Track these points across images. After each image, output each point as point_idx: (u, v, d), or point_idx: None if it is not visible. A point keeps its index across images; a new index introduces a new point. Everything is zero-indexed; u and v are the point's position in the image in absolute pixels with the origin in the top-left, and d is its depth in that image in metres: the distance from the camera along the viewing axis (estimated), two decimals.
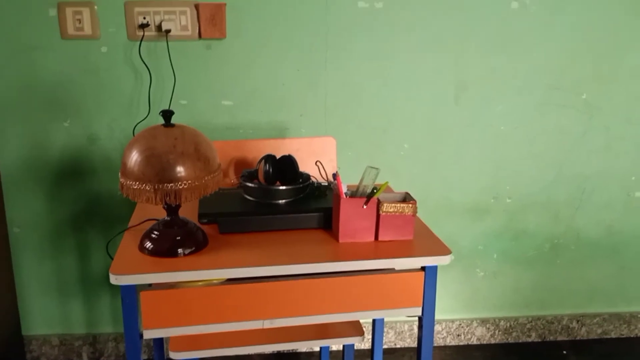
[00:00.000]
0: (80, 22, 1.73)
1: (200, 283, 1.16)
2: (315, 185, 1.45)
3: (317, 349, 2.17)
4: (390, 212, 1.28)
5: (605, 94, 1.98)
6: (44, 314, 2.00)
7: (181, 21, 1.75)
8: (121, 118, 1.81)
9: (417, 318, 1.31)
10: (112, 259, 1.15)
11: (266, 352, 2.15)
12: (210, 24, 1.76)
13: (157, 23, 1.73)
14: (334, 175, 1.30)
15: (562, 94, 1.96)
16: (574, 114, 1.99)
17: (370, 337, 2.08)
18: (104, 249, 1.93)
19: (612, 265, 2.20)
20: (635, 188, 2.11)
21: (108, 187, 1.88)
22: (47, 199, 1.88)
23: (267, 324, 1.21)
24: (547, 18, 1.87)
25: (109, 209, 1.90)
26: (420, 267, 1.26)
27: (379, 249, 1.25)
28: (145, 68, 1.77)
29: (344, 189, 1.29)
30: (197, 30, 1.76)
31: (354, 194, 1.30)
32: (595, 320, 2.26)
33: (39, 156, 1.83)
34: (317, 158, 1.61)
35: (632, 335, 2.30)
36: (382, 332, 1.62)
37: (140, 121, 1.81)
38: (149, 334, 1.16)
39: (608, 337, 2.29)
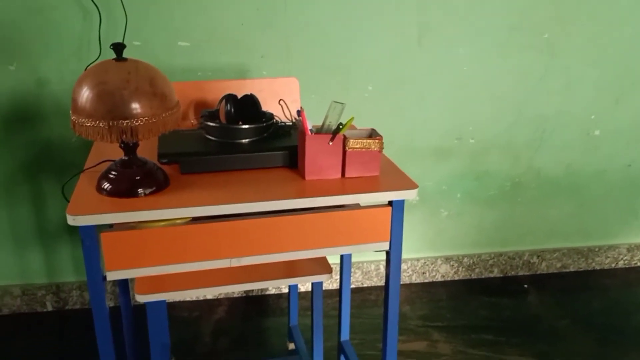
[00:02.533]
0: None
1: (163, 223, 1.13)
2: (279, 124, 1.42)
3: (285, 290, 2.19)
4: (356, 148, 1.26)
5: (567, 34, 1.98)
6: (2, 264, 1.95)
7: None
8: (71, 60, 1.72)
9: (383, 259, 1.32)
10: (69, 201, 1.11)
11: (235, 293, 2.16)
12: None
13: None
14: (298, 112, 1.27)
15: (524, 35, 1.95)
16: (535, 54, 1.99)
17: (338, 277, 2.10)
18: (60, 195, 1.86)
19: (571, 203, 2.26)
20: (594, 127, 2.15)
21: (60, 132, 1.80)
22: None
23: (235, 262, 1.20)
24: None
25: (62, 155, 1.83)
26: (387, 202, 1.26)
27: (345, 185, 1.24)
28: (95, 7, 1.67)
29: (309, 126, 1.26)
30: None
31: (319, 130, 1.28)
32: (554, 255, 2.34)
33: None
34: (281, 98, 1.57)
35: (589, 269, 2.40)
36: (350, 270, 1.64)
37: (91, 63, 1.72)
38: (111, 276, 1.13)
39: (567, 270, 2.38)
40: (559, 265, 2.36)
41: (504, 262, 2.31)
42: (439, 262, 2.25)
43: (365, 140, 1.26)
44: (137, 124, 1.06)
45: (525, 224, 2.27)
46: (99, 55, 1.71)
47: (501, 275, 2.33)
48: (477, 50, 1.94)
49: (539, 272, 2.36)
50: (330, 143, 1.24)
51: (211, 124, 1.34)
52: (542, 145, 2.14)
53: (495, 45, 1.95)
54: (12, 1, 1.63)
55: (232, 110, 1.38)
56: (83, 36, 1.70)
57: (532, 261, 2.33)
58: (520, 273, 2.34)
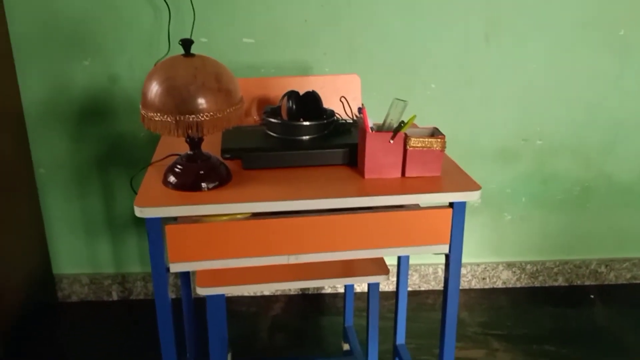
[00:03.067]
0: None
1: (224, 217, 1.15)
2: (340, 121, 1.42)
3: (341, 289, 2.18)
4: (417, 147, 1.23)
5: None
6: (73, 253, 2.04)
7: None
8: (141, 56, 1.78)
9: (441, 262, 1.29)
10: (136, 193, 1.14)
11: (291, 291, 2.17)
12: None
13: None
14: (360, 110, 1.26)
15: (598, 32, 1.86)
16: (610, 53, 1.89)
17: (394, 279, 2.08)
18: (129, 189, 1.93)
19: None
20: None
21: (130, 127, 1.87)
22: (71, 140, 1.88)
23: (292, 259, 1.20)
24: None
25: (131, 149, 1.90)
26: (448, 204, 1.23)
27: (405, 185, 1.22)
28: (165, 4, 1.72)
29: (369, 124, 1.25)
30: None
31: (379, 128, 1.26)
32: (624, 265, 2.22)
33: (60, 97, 1.82)
34: (341, 95, 1.56)
35: None
36: (407, 272, 1.61)
37: (160, 59, 1.77)
38: (175, 268, 1.16)
39: (637, 282, 2.25)
40: (628, 276, 2.24)
41: (569, 271, 2.21)
42: (501, 268, 2.18)
43: (427, 139, 1.24)
44: (202, 119, 1.08)
45: (594, 231, 2.16)
46: (168, 51, 1.76)
47: (566, 285, 2.24)
48: (547, 48, 1.87)
49: (606, 282, 2.24)
50: (391, 141, 1.23)
51: (273, 120, 1.35)
52: (615, 150, 2.03)
53: (567, 42, 1.87)
54: (91, 0, 1.71)
55: (294, 106, 1.39)
56: (153, 33, 1.76)
57: (599, 271, 2.22)
58: (587, 283, 2.24)
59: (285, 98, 1.40)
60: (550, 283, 2.23)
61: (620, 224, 2.15)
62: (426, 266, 2.16)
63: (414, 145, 1.23)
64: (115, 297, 2.12)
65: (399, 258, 1.60)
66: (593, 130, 2.00)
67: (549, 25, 1.84)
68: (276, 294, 2.17)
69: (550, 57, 1.88)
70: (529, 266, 2.19)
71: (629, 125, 2.00)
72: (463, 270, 2.18)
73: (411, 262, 2.14)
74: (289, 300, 2.15)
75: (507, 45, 1.85)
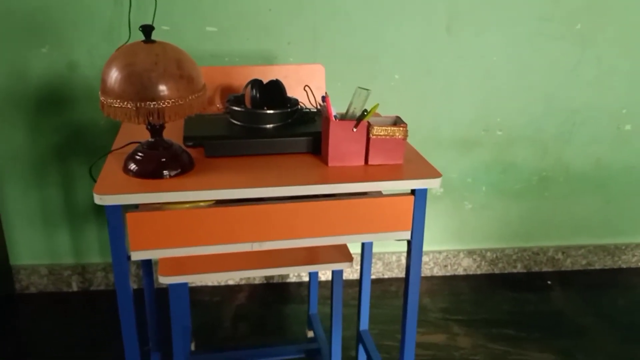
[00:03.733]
0: None
1: (187, 205, 1.14)
2: (304, 110, 1.42)
3: (306, 278, 2.20)
4: (380, 135, 1.25)
5: (600, 25, 1.93)
6: (32, 244, 1.99)
7: None
8: (101, 44, 1.74)
9: (404, 250, 1.31)
10: (96, 182, 1.13)
11: (256, 280, 2.18)
12: None
13: None
14: (323, 98, 1.27)
15: (556, 25, 1.91)
16: (567, 45, 1.95)
17: (358, 267, 2.10)
18: (88, 178, 1.90)
19: (599, 199, 2.22)
20: (626, 121, 2.10)
21: (90, 115, 1.83)
22: (28, 129, 1.83)
23: (256, 246, 1.21)
24: None
25: (92, 138, 1.86)
26: (410, 191, 1.25)
27: (368, 173, 1.24)
28: None
29: (333, 113, 1.26)
30: None
31: (343, 117, 1.27)
32: (580, 252, 2.30)
33: (17, 85, 1.77)
34: (305, 85, 1.56)
35: (615, 267, 2.35)
36: (371, 260, 1.63)
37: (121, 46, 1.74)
38: (136, 256, 1.15)
39: (592, 268, 2.34)
40: (584, 262, 2.32)
41: (527, 258, 2.28)
42: (462, 255, 2.23)
43: (389, 128, 1.25)
44: (164, 105, 1.07)
45: (551, 219, 2.23)
46: (128, 38, 1.73)
47: (525, 271, 2.30)
48: (507, 40, 1.91)
49: (563, 268, 2.32)
50: (355, 129, 1.24)
51: (236, 108, 1.34)
52: (572, 139, 2.10)
53: (526, 35, 1.91)
54: None
55: (258, 95, 1.39)
56: (113, 20, 1.72)
57: (556, 257, 2.30)
58: (545, 269, 2.31)
59: (249, 86, 1.40)
60: (509, 270, 2.29)
61: (576, 211, 2.23)
62: (389, 254, 2.19)
63: (377, 133, 1.25)
64: (75, 288, 2.08)
65: (363, 245, 1.62)
66: (550, 120, 2.06)
67: (509, 17, 1.88)
68: (240, 283, 2.17)
69: (510, 48, 1.92)
70: (489, 253, 2.25)
71: (585, 115, 2.06)
72: (425, 258, 2.22)
73: (375, 250, 2.17)
74: (254, 289, 2.15)
75: (468, 36, 1.89)
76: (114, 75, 1.06)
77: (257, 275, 1.41)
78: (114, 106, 1.06)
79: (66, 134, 1.85)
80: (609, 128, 2.10)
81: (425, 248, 2.20)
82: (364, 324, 1.72)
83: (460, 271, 2.27)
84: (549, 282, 2.24)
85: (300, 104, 1.44)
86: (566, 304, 2.11)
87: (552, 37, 1.93)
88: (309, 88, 1.48)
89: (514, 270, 2.30)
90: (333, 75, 1.84)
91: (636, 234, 2.31)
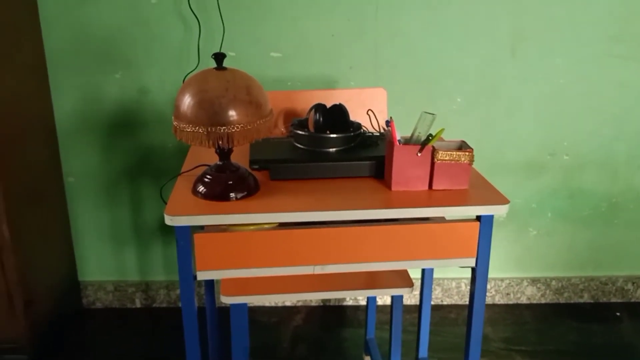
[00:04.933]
0: None
1: (252, 227, 1.17)
2: (367, 134, 1.43)
3: (363, 302, 2.18)
4: (445, 160, 1.24)
5: None
6: (99, 261, 2.08)
7: None
8: (171, 69, 1.82)
9: (464, 276, 1.29)
10: (166, 203, 1.17)
11: (313, 302, 2.18)
12: None
13: None
14: (387, 122, 1.27)
15: (625, 46, 1.85)
16: (637, 66, 1.88)
17: (417, 293, 2.07)
18: (156, 199, 1.97)
19: None
20: None
21: (160, 138, 1.90)
22: (101, 151, 1.92)
23: (318, 270, 1.21)
24: None
25: (161, 161, 1.93)
26: (475, 217, 1.23)
27: (432, 198, 1.22)
28: (195, 19, 1.76)
29: (397, 137, 1.25)
30: None
31: (407, 141, 1.27)
32: None
33: (92, 108, 1.87)
34: (368, 108, 1.57)
35: None
36: (431, 285, 1.61)
37: (189, 72, 1.81)
38: (202, 276, 1.17)
39: None
40: None
41: (595, 287, 2.18)
42: (525, 283, 2.16)
43: (454, 152, 1.24)
44: (233, 130, 1.10)
45: (621, 247, 2.13)
46: (197, 65, 1.79)
47: (592, 301, 2.20)
48: (574, 61, 1.86)
49: (633, 299, 2.20)
50: (419, 154, 1.23)
51: (300, 132, 1.37)
52: None
53: (595, 55, 1.86)
54: (120, 14, 1.75)
55: (321, 119, 1.41)
56: (183, 47, 1.80)
57: (626, 288, 2.18)
58: (613, 300, 2.20)
59: (313, 111, 1.42)
60: (575, 300, 2.20)
61: None
62: (449, 280, 2.14)
63: (442, 158, 1.24)
64: (138, 304, 2.14)
65: (423, 271, 1.59)
66: (621, 144, 1.98)
67: (575, 38, 1.83)
68: (297, 304, 2.17)
69: (577, 70, 1.87)
70: (554, 282, 2.16)
71: None
72: (487, 285, 2.16)
73: (435, 276, 2.13)
74: (310, 311, 2.15)
75: (533, 58, 1.85)
76: (187, 101, 1.11)
77: (317, 297, 1.41)
78: (187, 131, 1.10)
79: (137, 156, 1.93)
80: None
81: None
82: (423, 352, 1.68)
83: (524, 300, 2.19)
84: (617, 314, 2.13)
85: (363, 127, 1.45)
86: (636, 337, 2.00)
87: (622, 58, 1.86)
88: (372, 112, 1.49)
89: (581, 301, 2.20)
90: (395, 98, 1.84)
91: None
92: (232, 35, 1.78)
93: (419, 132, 1.25)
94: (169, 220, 1.10)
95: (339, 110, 1.44)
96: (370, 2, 1.77)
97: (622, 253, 2.14)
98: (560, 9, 1.79)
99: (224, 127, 1.09)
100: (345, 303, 2.19)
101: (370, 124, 1.52)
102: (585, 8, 1.80)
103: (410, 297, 2.17)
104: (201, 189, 1.17)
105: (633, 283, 2.17)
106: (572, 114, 1.93)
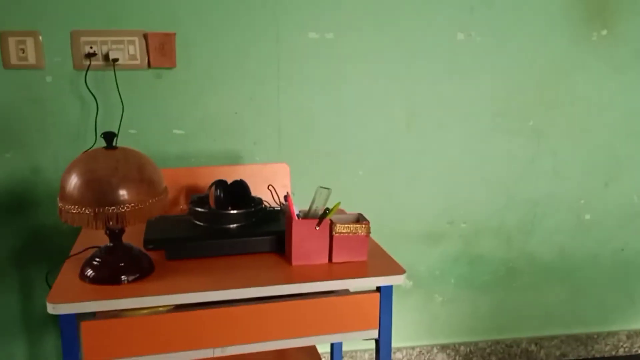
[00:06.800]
0: (24, 52, 1.68)
1: (145, 311, 1.11)
2: (268, 209, 1.43)
3: None
4: (343, 232, 1.26)
5: (552, 120, 2.04)
6: None
7: (129, 50, 1.72)
8: (67, 148, 1.75)
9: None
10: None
11: None
12: (160, 53, 1.74)
13: (104, 52, 1.70)
14: (285, 197, 1.29)
15: (509, 121, 2.01)
16: (522, 140, 2.04)
17: None
18: (46, 284, 1.83)
19: (566, 288, 2.23)
20: (585, 211, 2.16)
21: (53, 219, 1.80)
22: None
23: (218, 352, 1.16)
24: (492, 48, 1.93)
25: (53, 243, 1.82)
26: (375, 288, 1.24)
27: (332, 271, 1.23)
28: (92, 97, 1.73)
29: (295, 212, 1.27)
30: (147, 60, 1.74)
31: (305, 215, 1.28)
32: (553, 343, 2.27)
33: None
34: (270, 184, 1.59)
35: (589, 357, 2.32)
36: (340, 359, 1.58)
37: (86, 150, 1.75)
38: None
39: (567, 359, 2.30)
40: (558, 353, 2.29)
41: (502, 350, 2.24)
42: (435, 350, 2.18)
43: (352, 225, 1.27)
44: (123, 210, 1.06)
45: (522, 310, 2.22)
46: (94, 143, 1.75)
47: None
48: (465, 135, 1.99)
49: None
50: (317, 228, 1.25)
51: (199, 209, 1.35)
52: (534, 230, 2.14)
53: (482, 130, 2.00)
54: (12, 92, 1.69)
55: (222, 195, 1.40)
56: (80, 125, 1.75)
57: (530, 349, 2.26)
58: None
59: (213, 187, 1.41)
60: None
61: (545, 302, 2.23)
62: (362, 352, 2.12)
63: (340, 231, 1.26)
64: None
65: (332, 345, 1.57)
66: (512, 211, 2.10)
67: (464, 114, 1.97)
68: None
69: (468, 143, 2.00)
70: (462, 347, 2.20)
71: (545, 206, 2.12)
72: (399, 355, 2.16)
73: (345, 348, 2.10)
74: None
75: (426, 132, 1.97)
76: (73, 181, 1.07)
77: None
78: (72, 212, 1.06)
79: (27, 238, 1.81)
80: (569, 218, 2.15)
81: (398, 344, 2.15)
82: None
83: None
84: None
85: (265, 202, 1.46)
86: None
87: (507, 132, 2.02)
88: (273, 187, 1.50)
89: None
90: (299, 172, 1.87)
91: (606, 322, 2.31)
92: (132, 113, 1.76)
93: (316, 207, 1.27)
94: (51, 309, 1.03)
95: (240, 186, 1.44)
96: (272, 80, 1.83)
97: (522, 315, 2.23)
98: (448, 87, 1.94)
99: (113, 207, 1.06)
100: None
101: (272, 199, 1.53)
102: (470, 86, 1.95)
103: None
104: (89, 272, 1.11)
105: (536, 344, 2.26)
106: (467, 184, 2.04)
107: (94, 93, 1.72)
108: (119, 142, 1.15)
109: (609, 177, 2.14)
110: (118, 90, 1.73)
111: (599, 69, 2.02)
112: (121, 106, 1.75)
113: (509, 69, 1.96)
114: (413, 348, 2.16)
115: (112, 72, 1.72)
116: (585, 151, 2.09)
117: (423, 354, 2.18)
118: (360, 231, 1.27)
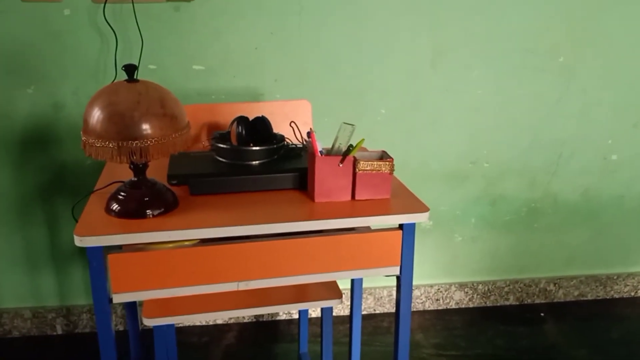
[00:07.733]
0: None
1: (170, 245, 1.13)
2: (290, 146, 1.42)
3: (295, 315, 2.16)
4: (366, 170, 1.25)
5: (582, 57, 1.96)
6: (15, 286, 1.95)
7: None
8: (87, 84, 1.74)
9: (395, 284, 1.29)
10: (77, 222, 1.11)
11: (245, 318, 2.13)
12: None
13: None
14: (308, 134, 1.27)
15: (539, 58, 1.94)
16: (551, 77, 1.97)
17: (349, 303, 2.07)
18: (72, 217, 1.87)
19: (589, 229, 2.21)
20: (612, 151, 2.11)
21: (75, 155, 1.82)
22: (13, 169, 1.81)
23: (242, 286, 1.18)
24: None
25: (77, 178, 1.84)
26: (398, 226, 1.24)
27: (355, 208, 1.23)
28: (111, 31, 1.70)
29: (319, 148, 1.25)
30: None
31: (329, 152, 1.27)
32: (572, 283, 2.28)
33: (3, 124, 1.76)
34: (291, 120, 1.57)
35: (608, 297, 2.33)
36: (361, 296, 1.61)
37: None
38: (118, 298, 1.12)
39: (585, 299, 2.32)
40: (576, 293, 2.30)
41: (520, 290, 2.26)
42: (453, 288, 2.21)
43: (375, 162, 1.25)
44: (146, 144, 1.06)
45: (542, 250, 2.22)
46: (114, 78, 1.73)
47: (517, 303, 2.28)
48: (491, 74, 1.93)
49: (555, 300, 2.30)
50: (340, 165, 1.23)
51: (221, 145, 1.34)
52: (559, 170, 2.10)
53: (510, 68, 1.93)
54: (31, 26, 1.67)
55: (243, 132, 1.38)
56: (99, 60, 1.73)
57: (548, 289, 2.27)
58: (537, 301, 2.29)
59: (235, 123, 1.40)
60: (501, 302, 2.26)
61: (566, 242, 2.22)
62: (381, 289, 2.16)
63: (363, 168, 1.25)
64: (59, 331, 2.02)
65: (352, 281, 1.59)
66: (537, 152, 2.06)
67: (492, 52, 1.90)
68: (229, 322, 2.12)
69: (495, 82, 1.94)
70: (480, 286, 2.22)
71: (571, 147, 2.07)
72: (417, 292, 2.19)
73: (365, 285, 2.14)
74: (243, 328, 2.10)
75: (452, 70, 1.91)
76: (96, 114, 1.06)
77: (244, 314, 1.38)
78: (96, 146, 1.05)
79: (51, 174, 1.84)
80: (595, 159, 2.11)
81: (416, 282, 2.18)
82: None
83: (453, 305, 2.24)
84: (542, 314, 2.22)
85: (287, 140, 1.44)
86: (560, 336, 2.08)
87: (536, 70, 1.95)
88: (295, 124, 1.48)
89: (507, 303, 2.27)
90: (320, 111, 1.85)
91: (627, 263, 2.30)
92: (152, 48, 1.73)
93: (340, 143, 1.25)
94: (79, 241, 1.04)
95: (262, 123, 1.43)
96: (294, 15, 1.77)
97: (542, 256, 2.23)
98: (477, 24, 1.86)
99: (136, 142, 1.05)
100: (278, 317, 2.16)
101: (294, 136, 1.51)
102: (500, 23, 1.87)
103: (343, 308, 2.17)
104: (115, 206, 1.12)
105: (555, 284, 2.27)
106: (491, 124, 2.00)
107: (112, 26, 1.69)
108: (139, 77, 1.13)
109: (639, 117, 2.07)
110: (137, 23, 1.69)
111: (635, 3, 1.92)
112: (140, 41, 1.71)
113: (539, 2, 1.87)
114: (431, 286, 2.19)
115: (131, 5, 1.68)
116: (615, 90, 2.02)
117: (441, 291, 2.20)
118: (383, 169, 1.26)
